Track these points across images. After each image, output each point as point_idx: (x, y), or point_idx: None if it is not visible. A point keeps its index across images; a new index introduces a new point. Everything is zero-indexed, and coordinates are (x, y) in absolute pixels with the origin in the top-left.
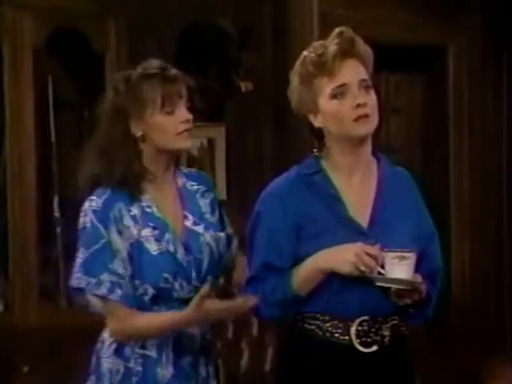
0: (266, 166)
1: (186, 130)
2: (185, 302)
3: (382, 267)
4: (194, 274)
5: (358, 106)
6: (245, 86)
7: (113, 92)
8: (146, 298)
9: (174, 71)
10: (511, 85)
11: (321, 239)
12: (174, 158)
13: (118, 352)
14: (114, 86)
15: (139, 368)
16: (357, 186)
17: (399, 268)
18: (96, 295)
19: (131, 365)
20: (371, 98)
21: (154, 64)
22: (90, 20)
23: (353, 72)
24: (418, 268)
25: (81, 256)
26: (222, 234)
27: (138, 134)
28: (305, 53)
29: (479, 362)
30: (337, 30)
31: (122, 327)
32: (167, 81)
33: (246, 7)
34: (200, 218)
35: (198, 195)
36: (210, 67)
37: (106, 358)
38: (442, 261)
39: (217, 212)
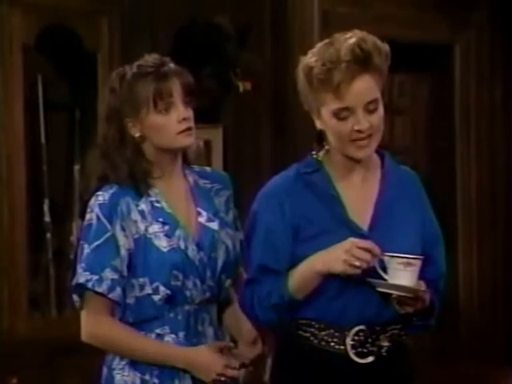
0: (265, 168)
1: (188, 129)
2: (200, 304)
3: (385, 271)
4: (208, 273)
5: (358, 131)
6: (243, 85)
7: (108, 91)
8: (157, 298)
9: (167, 68)
10: None
11: (318, 241)
12: (179, 155)
13: (134, 364)
14: (109, 85)
15: (155, 380)
16: (358, 185)
17: (403, 274)
18: (96, 292)
19: (147, 377)
20: (376, 118)
21: (149, 61)
22: (82, 17)
23: (360, 95)
24: (421, 272)
25: (84, 252)
26: (239, 234)
27: (137, 134)
28: (312, 60)
29: (486, 373)
30: (352, 40)
31: (96, 330)
32: (159, 78)
33: (245, 4)
34: (214, 214)
35: (211, 193)
36: (207, 66)
37: (120, 371)
38: (447, 266)
39: (232, 212)
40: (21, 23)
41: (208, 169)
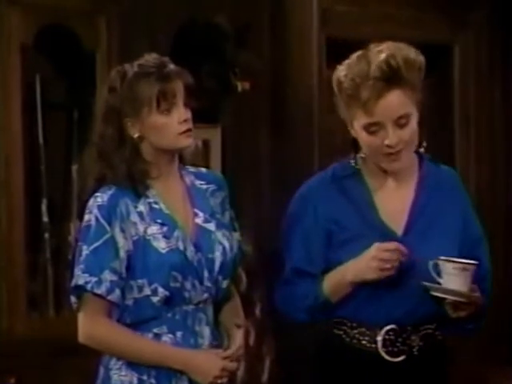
0: (264, 168)
1: (188, 130)
2: (197, 304)
3: (439, 276)
4: (206, 274)
5: (388, 146)
6: (241, 85)
7: (108, 90)
8: (155, 300)
9: (170, 68)
10: None
11: (351, 246)
12: (176, 155)
13: (131, 364)
14: (109, 84)
15: (153, 381)
16: (393, 190)
17: (458, 279)
18: (95, 294)
19: (144, 377)
20: (406, 133)
21: (150, 61)
22: (81, 17)
23: (389, 111)
24: None
25: (82, 253)
26: (236, 234)
27: (136, 135)
28: (342, 74)
29: (488, 373)
30: (383, 55)
31: (94, 332)
32: (163, 79)
33: (243, 3)
34: (211, 215)
35: (207, 194)
36: (206, 66)
37: (117, 371)
38: (491, 265)
39: (227, 213)
40: (19, 23)
41: (203, 170)
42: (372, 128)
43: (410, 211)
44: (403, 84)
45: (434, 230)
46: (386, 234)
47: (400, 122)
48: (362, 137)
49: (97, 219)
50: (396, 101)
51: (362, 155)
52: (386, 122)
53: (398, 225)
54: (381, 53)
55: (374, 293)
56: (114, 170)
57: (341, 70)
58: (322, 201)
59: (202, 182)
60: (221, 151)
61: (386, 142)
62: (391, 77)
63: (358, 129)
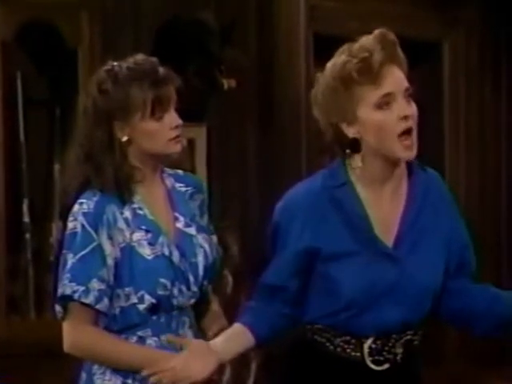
0: (250, 168)
1: (178, 137)
2: (184, 309)
3: None
4: (191, 279)
5: (404, 117)
6: (227, 83)
7: (97, 90)
8: (142, 307)
9: (162, 72)
10: (510, 82)
11: (342, 261)
12: (162, 160)
13: (116, 368)
14: (98, 84)
15: None
16: (387, 199)
17: None
18: (82, 304)
19: (129, 381)
20: (414, 109)
21: (141, 63)
22: (63, 13)
23: (398, 80)
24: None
25: (68, 262)
26: (214, 237)
27: (124, 138)
28: (342, 57)
29: (479, 373)
30: (377, 32)
31: (81, 340)
32: (157, 84)
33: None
34: (191, 219)
35: (186, 197)
36: (191, 63)
37: (101, 375)
38: (476, 270)
39: (205, 216)
40: None
41: (181, 172)
42: (385, 100)
43: (401, 223)
44: (400, 62)
45: (423, 239)
46: (378, 249)
47: (407, 95)
48: (375, 119)
49: (83, 227)
50: (399, 71)
51: (362, 155)
52: (398, 93)
53: (389, 237)
54: (372, 34)
55: (366, 306)
56: (100, 172)
57: (336, 58)
58: (311, 214)
59: (181, 185)
60: (206, 150)
61: (402, 113)
62: (391, 49)
63: (367, 113)
